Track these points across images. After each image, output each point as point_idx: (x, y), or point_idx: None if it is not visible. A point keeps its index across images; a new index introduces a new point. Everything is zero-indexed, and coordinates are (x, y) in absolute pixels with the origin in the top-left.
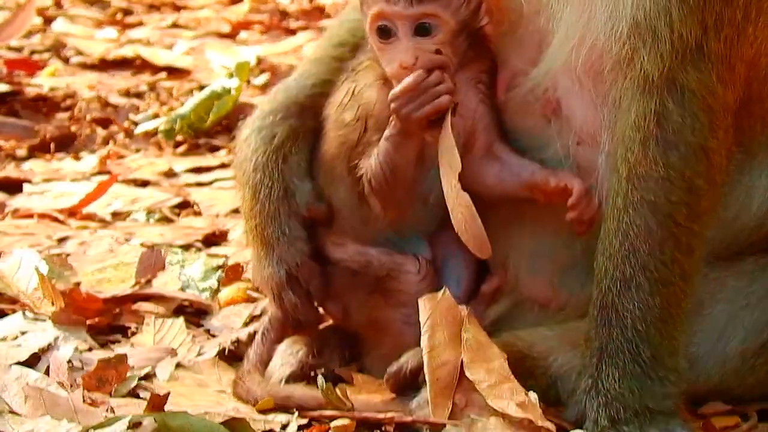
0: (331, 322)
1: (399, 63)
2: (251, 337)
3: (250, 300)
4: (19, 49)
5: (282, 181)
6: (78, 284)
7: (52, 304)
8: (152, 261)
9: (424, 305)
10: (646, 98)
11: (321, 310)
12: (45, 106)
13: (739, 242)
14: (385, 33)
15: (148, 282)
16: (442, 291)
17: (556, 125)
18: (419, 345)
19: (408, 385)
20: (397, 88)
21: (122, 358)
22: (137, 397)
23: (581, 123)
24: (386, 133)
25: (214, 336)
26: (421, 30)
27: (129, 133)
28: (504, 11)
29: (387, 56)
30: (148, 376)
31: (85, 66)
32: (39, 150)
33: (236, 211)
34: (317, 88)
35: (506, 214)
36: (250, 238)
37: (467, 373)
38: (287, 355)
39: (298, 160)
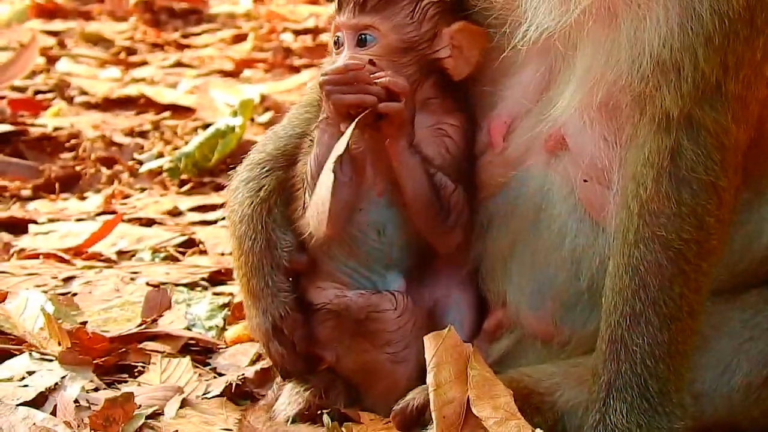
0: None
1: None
2: (258, 375)
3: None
4: (23, 90)
5: (265, 232)
6: (84, 324)
7: (59, 344)
8: (158, 300)
9: (430, 343)
10: (662, 135)
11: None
12: (49, 146)
13: (745, 277)
14: (336, 44)
15: (154, 321)
16: (447, 328)
17: (561, 163)
18: (412, 382)
19: (415, 422)
20: (330, 66)
21: (129, 397)
22: None
23: (590, 159)
24: (319, 119)
25: (220, 374)
26: (361, 41)
27: (133, 173)
28: (482, 52)
29: None
30: (155, 415)
31: (89, 105)
32: (44, 190)
33: None
34: (305, 137)
35: (506, 250)
36: (240, 287)
37: (474, 410)
38: (293, 394)
39: (283, 212)
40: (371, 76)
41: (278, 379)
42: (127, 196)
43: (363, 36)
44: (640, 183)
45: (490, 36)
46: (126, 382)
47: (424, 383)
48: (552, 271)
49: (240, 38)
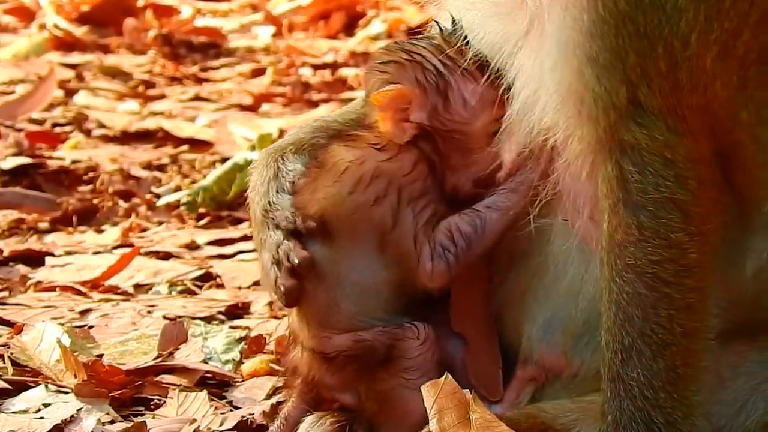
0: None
1: None
2: (274, 408)
3: (273, 372)
4: (41, 122)
5: (275, 165)
6: (100, 356)
7: (75, 376)
8: (175, 333)
9: (428, 391)
10: (603, 165)
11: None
12: (67, 178)
13: (763, 319)
14: None
15: (171, 354)
16: (444, 376)
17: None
18: (425, 416)
19: None
20: None
21: (140, 427)
22: None
23: (572, 194)
24: None
25: (237, 408)
26: None
27: (151, 206)
28: None
29: None
30: None
31: (107, 138)
32: (61, 223)
33: (258, 283)
34: (333, 118)
35: (525, 283)
36: (253, 235)
37: None
38: (313, 428)
39: (296, 163)
40: None
41: (284, 412)
42: (144, 230)
43: None
44: (603, 216)
45: None
46: (142, 415)
47: None
48: (561, 303)
49: (258, 72)
